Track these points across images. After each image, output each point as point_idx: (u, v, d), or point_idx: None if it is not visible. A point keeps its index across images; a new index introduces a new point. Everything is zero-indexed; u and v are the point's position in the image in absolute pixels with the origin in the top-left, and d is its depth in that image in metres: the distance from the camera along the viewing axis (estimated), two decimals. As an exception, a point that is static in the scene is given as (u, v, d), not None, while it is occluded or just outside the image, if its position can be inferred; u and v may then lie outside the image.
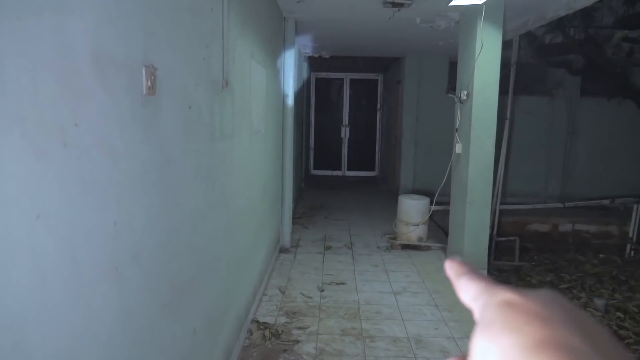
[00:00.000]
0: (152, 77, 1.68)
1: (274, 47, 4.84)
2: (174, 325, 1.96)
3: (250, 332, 3.48)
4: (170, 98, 1.86)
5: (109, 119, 1.39)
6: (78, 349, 1.24)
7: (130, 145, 1.52)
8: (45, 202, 1.10)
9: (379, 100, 11.77)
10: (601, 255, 6.95)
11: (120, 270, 1.46)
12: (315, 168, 11.89)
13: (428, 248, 5.71)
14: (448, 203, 5.30)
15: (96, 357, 1.33)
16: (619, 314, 4.81)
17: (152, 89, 1.68)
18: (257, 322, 3.65)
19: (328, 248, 5.70)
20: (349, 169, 11.92)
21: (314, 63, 10.14)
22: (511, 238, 6.51)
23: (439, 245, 5.75)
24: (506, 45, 4.99)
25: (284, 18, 5.52)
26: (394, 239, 5.87)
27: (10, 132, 0.99)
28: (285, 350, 3.28)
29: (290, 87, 5.59)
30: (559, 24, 6.66)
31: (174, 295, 1.95)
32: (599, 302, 4.96)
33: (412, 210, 5.67)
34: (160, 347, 1.81)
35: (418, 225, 5.65)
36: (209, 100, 2.42)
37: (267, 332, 3.48)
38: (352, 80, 11.79)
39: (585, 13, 6.54)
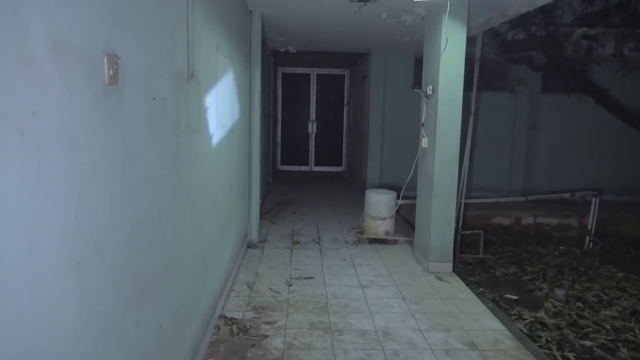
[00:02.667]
0: (115, 66, 1.63)
1: (241, 40, 4.79)
2: (139, 321, 1.92)
3: (217, 327, 3.45)
4: (133, 88, 1.81)
5: (68, 107, 1.34)
6: (38, 346, 1.20)
7: (91, 135, 1.48)
8: (2, 193, 1.05)
9: (345, 95, 11.81)
10: (561, 248, 7.16)
11: (83, 265, 1.42)
12: (282, 163, 11.86)
13: (395, 242, 5.76)
14: (414, 197, 5.37)
15: (58, 355, 1.29)
16: (578, 304, 4.96)
17: (114, 78, 1.63)
18: (225, 317, 3.61)
19: (296, 243, 5.69)
20: (316, 164, 11.93)
21: (281, 58, 10.09)
22: (476, 231, 6.64)
23: (406, 239, 5.81)
24: (470, 41, 5.06)
25: (250, 11, 5.46)
26: (362, 233, 5.90)
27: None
28: (253, 345, 3.25)
29: (257, 81, 5.55)
30: (521, 21, 6.81)
31: (139, 290, 1.91)
32: (560, 293, 5.10)
33: (379, 204, 5.71)
34: (125, 344, 1.76)
35: (385, 219, 5.70)
36: (173, 92, 2.37)
37: (234, 328, 3.45)
38: (319, 76, 11.79)
39: (546, 11, 6.71)
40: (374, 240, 5.76)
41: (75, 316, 1.38)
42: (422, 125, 4.97)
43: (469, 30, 4.83)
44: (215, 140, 3.46)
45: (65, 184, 1.32)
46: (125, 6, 1.74)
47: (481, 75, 6.37)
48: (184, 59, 2.56)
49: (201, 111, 2.98)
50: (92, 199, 1.48)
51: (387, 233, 5.72)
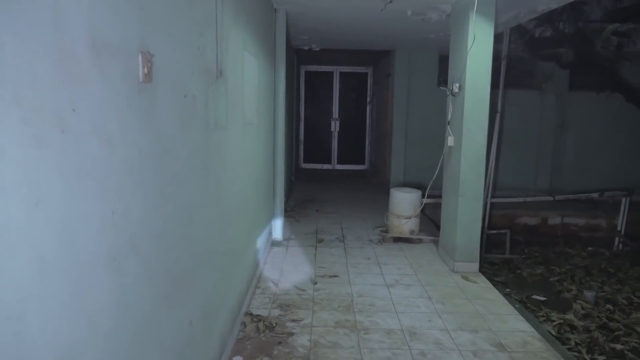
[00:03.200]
0: (149, 64, 1.64)
1: (266, 39, 4.80)
2: (171, 317, 1.93)
3: (244, 324, 3.46)
4: (166, 86, 1.83)
5: (106, 105, 1.35)
6: (78, 340, 1.21)
7: (127, 132, 1.49)
8: (44, 188, 1.07)
9: (368, 93, 11.76)
10: (590, 248, 7.02)
11: (119, 261, 1.43)
12: (305, 161, 11.86)
13: (420, 241, 5.72)
14: (439, 196, 5.31)
15: (97, 349, 1.31)
16: (608, 306, 4.86)
17: (148, 76, 1.64)
18: (251, 314, 3.62)
19: (320, 241, 5.69)
20: (339, 162, 11.91)
21: (304, 56, 10.10)
22: (502, 231, 6.55)
23: (431, 238, 5.76)
24: (497, 38, 4.99)
25: (275, 9, 5.47)
26: (386, 231, 5.87)
27: (9, 117, 0.95)
28: (279, 343, 3.26)
29: (281, 79, 5.55)
30: (549, 18, 6.69)
31: (171, 287, 1.92)
32: (589, 295, 5.00)
33: (404, 203, 5.67)
34: (159, 340, 1.78)
35: (410, 218, 5.66)
36: (203, 89, 2.38)
37: (260, 325, 3.46)
38: (342, 74, 11.76)
39: (575, 7, 6.57)
40: (398, 239, 5.72)
41: (112, 312, 1.40)
42: (448, 124, 4.92)
43: (496, 27, 4.76)
44: (241, 137, 3.48)
45: (102, 180, 1.33)
46: (158, 4, 1.75)
47: (508, 72, 6.28)
48: (213, 57, 2.57)
49: (229, 109, 2.99)
50: (127, 196, 1.50)
51: (412, 232, 5.68)
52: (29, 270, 1.02)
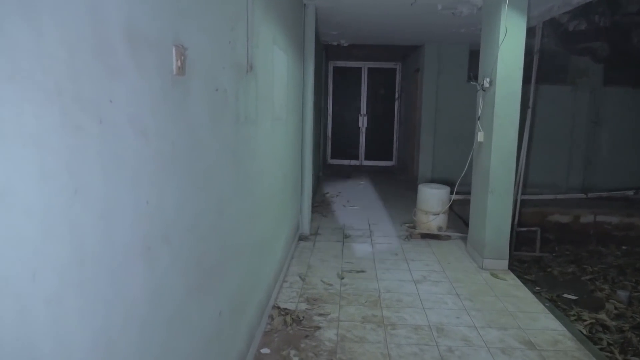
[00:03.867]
0: (182, 57, 1.66)
1: (295, 34, 4.81)
2: (201, 308, 1.97)
3: (271, 317, 3.49)
4: (198, 79, 1.85)
5: (141, 97, 1.38)
6: (114, 326, 1.24)
7: (161, 124, 1.52)
8: (84, 177, 1.10)
9: (397, 89, 11.68)
10: (624, 247, 6.84)
11: (152, 251, 1.46)
12: (332, 157, 11.86)
13: (448, 238, 5.66)
14: (468, 192, 5.25)
15: (131, 336, 1.34)
16: (643, 305, 4.73)
17: (181, 69, 1.67)
18: (278, 308, 3.65)
19: (347, 236, 5.69)
20: (366, 158, 11.87)
21: (332, 52, 10.08)
22: (532, 228, 6.43)
23: (459, 234, 5.70)
24: (529, 32, 4.89)
25: (305, 5, 5.48)
26: (413, 228, 5.83)
27: (51, 107, 0.98)
28: (306, 336, 3.28)
29: (310, 75, 5.56)
30: (584, 11, 6.52)
31: (201, 278, 1.95)
32: (623, 294, 4.89)
33: (433, 199, 5.62)
34: (190, 330, 1.81)
35: (438, 214, 5.61)
36: (234, 84, 2.40)
37: (288, 318, 3.48)
38: (370, 69, 11.71)
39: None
40: (426, 236, 5.68)
41: (146, 300, 1.43)
42: (478, 119, 4.85)
43: (528, 20, 4.67)
44: (270, 132, 3.50)
45: (137, 171, 1.36)
46: (192, -2, 1.78)
47: (540, 67, 6.16)
48: (243, 51, 2.59)
49: (258, 103, 3.01)
50: (161, 187, 1.52)
51: (440, 228, 5.64)
52: (69, 256, 1.05)
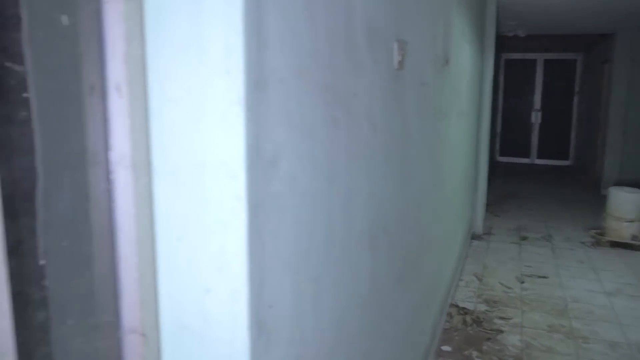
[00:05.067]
0: (402, 52, 1.70)
1: (476, 25, 4.65)
2: (403, 297, 2.00)
3: (450, 315, 3.44)
4: (410, 74, 1.88)
5: (374, 90, 1.44)
6: (347, 308, 1.32)
7: (385, 117, 1.56)
8: (336, 166, 1.17)
9: (577, 82, 10.70)
10: None
11: (375, 240, 1.52)
12: (501, 154, 11.29)
13: (643, 248, 5.06)
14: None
15: (355, 317, 1.41)
16: None
17: (401, 64, 1.70)
18: (457, 306, 3.58)
19: (524, 238, 5.37)
20: (539, 156, 11.08)
21: (505, 43, 9.56)
22: None
23: (658, 245, 5.06)
24: None
25: (487, -5, 5.27)
26: (602, 234, 5.31)
27: (318, 99, 1.06)
28: (488, 339, 3.17)
29: (489, 68, 5.35)
30: None
31: (404, 268, 1.98)
32: None
33: (627, 204, 5.05)
34: (395, 317, 1.86)
35: (633, 221, 5.03)
36: (433, 77, 2.39)
37: (467, 318, 3.40)
38: (546, 61, 10.89)
39: None
40: (616, 244, 5.13)
41: (367, 286, 1.49)
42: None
43: None
44: (456, 127, 3.43)
45: (369, 162, 1.42)
46: (408, -7, 1.80)
47: None
48: (441, 45, 2.57)
49: (450, 97, 2.97)
50: (382, 177, 1.57)
51: (635, 237, 5.05)
52: (325, 240, 1.13)
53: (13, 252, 0.64)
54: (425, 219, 2.37)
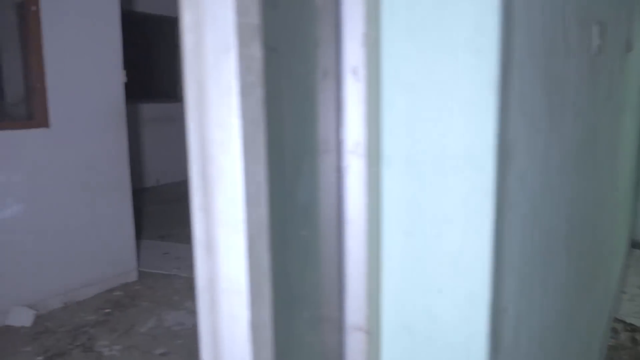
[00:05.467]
0: (603, 36, 1.52)
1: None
2: (582, 310, 1.81)
3: (615, 331, 3.10)
4: (605, 60, 1.69)
5: (578, 77, 1.30)
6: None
7: (583, 106, 1.41)
8: (552, 161, 1.06)
9: None
10: None
11: (569, 239, 1.37)
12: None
13: None
14: None
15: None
16: None
17: (600, 48, 1.52)
18: (623, 322, 3.23)
19: (695, 250, 4.72)
20: None
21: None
22: None
23: None
24: None
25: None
26: None
27: (539, 87, 0.96)
28: (666, 362, 2.81)
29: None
30: None
31: (585, 278, 1.79)
32: None
33: None
34: (576, 332, 1.68)
35: None
36: (619, 65, 2.14)
37: (637, 336, 3.04)
38: None
39: None
40: None
41: (561, 294, 1.35)
42: None
43: None
44: (628, 122, 3.08)
45: (572, 156, 1.28)
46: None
47: None
48: (625, 30, 2.30)
49: (628, 88, 2.66)
50: (581, 175, 1.42)
51: None
52: (540, 239, 1.02)
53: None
54: (603, 222, 2.14)
